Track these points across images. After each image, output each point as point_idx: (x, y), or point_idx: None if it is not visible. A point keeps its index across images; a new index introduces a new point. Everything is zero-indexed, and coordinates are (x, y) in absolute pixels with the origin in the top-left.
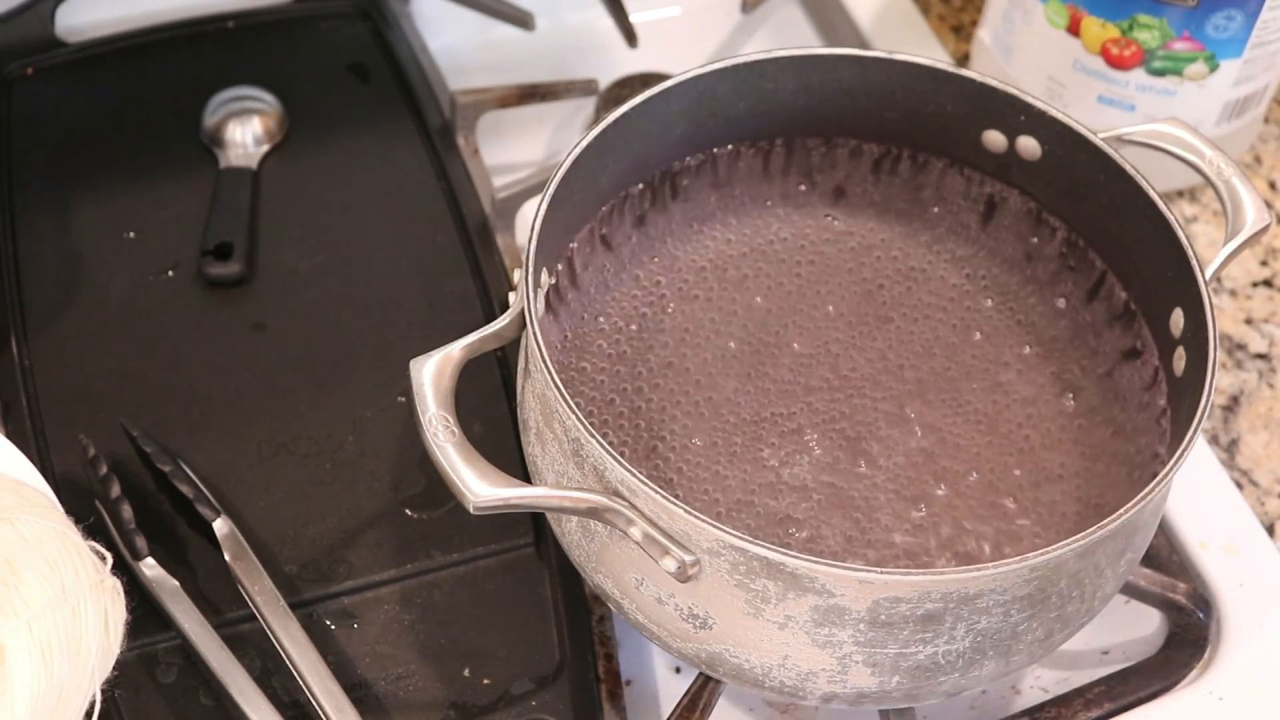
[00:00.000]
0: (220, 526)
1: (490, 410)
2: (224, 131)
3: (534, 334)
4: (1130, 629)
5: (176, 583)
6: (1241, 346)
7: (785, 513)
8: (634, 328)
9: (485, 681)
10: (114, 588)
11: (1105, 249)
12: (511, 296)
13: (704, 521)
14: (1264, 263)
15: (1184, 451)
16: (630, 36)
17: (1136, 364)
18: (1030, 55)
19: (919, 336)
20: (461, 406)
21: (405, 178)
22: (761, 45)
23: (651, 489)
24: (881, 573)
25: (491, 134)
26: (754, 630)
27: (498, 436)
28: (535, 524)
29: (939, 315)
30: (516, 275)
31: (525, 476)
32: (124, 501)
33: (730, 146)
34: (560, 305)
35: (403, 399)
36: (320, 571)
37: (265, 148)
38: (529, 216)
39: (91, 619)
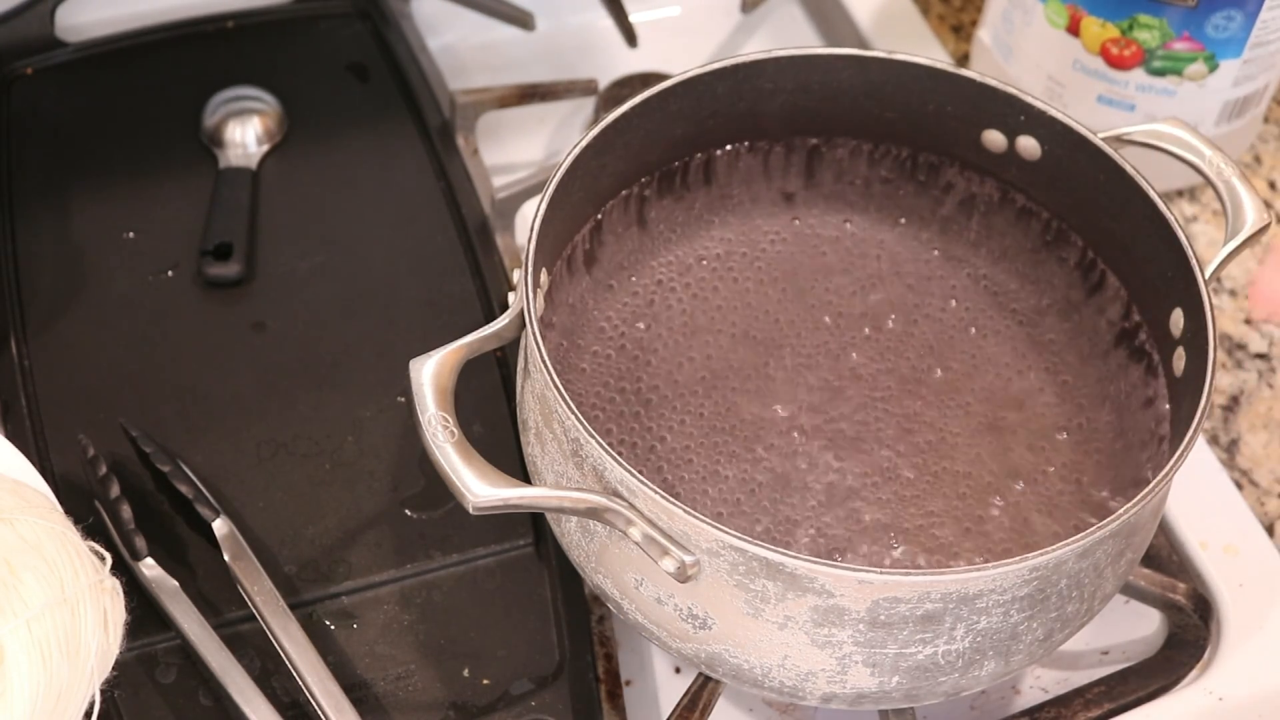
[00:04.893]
0: (220, 527)
1: (490, 410)
2: (224, 131)
3: (533, 334)
4: (1130, 629)
5: (176, 583)
6: (1241, 346)
7: (785, 513)
8: (633, 328)
9: (485, 681)
10: (113, 588)
11: (1105, 249)
12: (511, 296)
13: (703, 522)
14: (1264, 263)
15: (1184, 451)
16: (630, 36)
17: (1136, 364)
18: (1030, 55)
19: (918, 336)
20: (461, 406)
21: (405, 178)
22: (761, 45)
23: (651, 489)
24: (881, 573)
25: (491, 134)
26: (753, 630)
27: (497, 436)
28: (535, 524)
29: (938, 315)
30: (516, 275)
31: (525, 476)
32: (123, 501)
33: (730, 146)
34: (560, 305)
35: (402, 399)
36: (320, 571)
37: (265, 148)
38: (529, 216)
39: (91, 619)
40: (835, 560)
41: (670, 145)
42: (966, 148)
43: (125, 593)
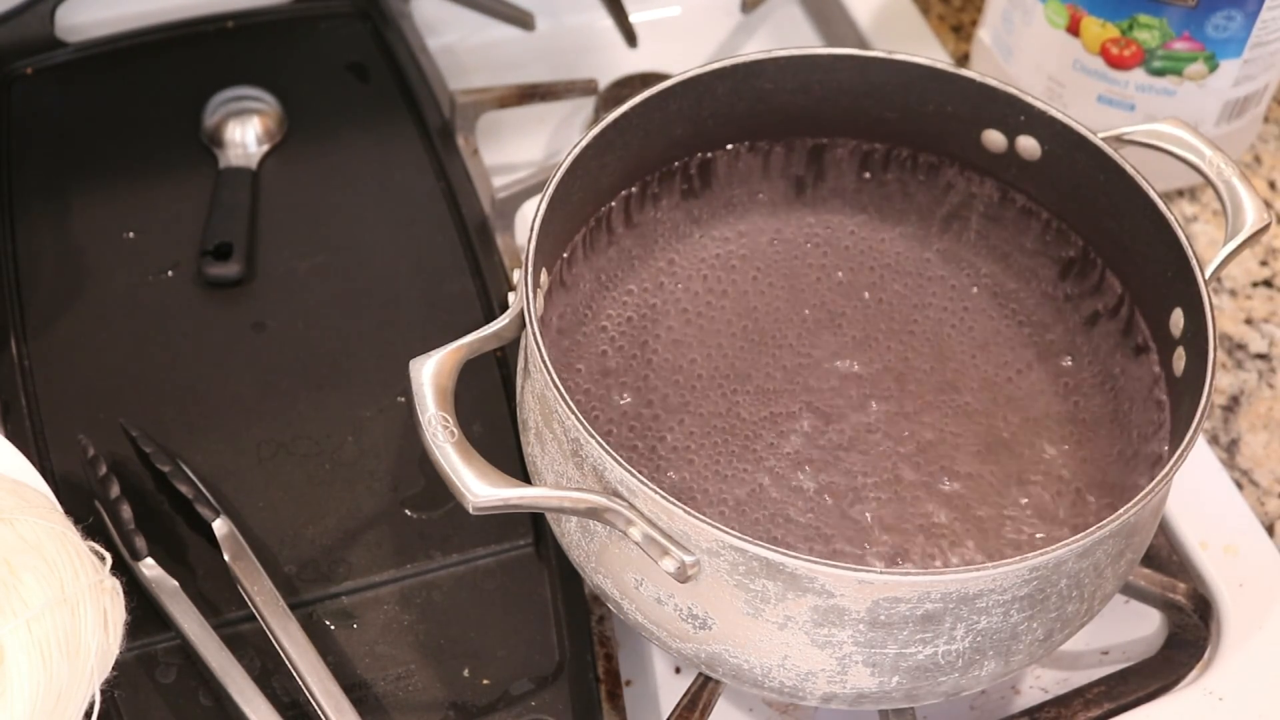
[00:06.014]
0: (220, 527)
1: (490, 410)
2: (224, 131)
3: (533, 334)
4: (1130, 629)
5: (176, 583)
6: (1241, 346)
7: (785, 512)
8: (633, 328)
9: (485, 681)
10: (113, 588)
11: (1105, 249)
12: (511, 296)
13: (703, 521)
14: (1264, 263)
15: (1184, 451)
16: (630, 36)
17: (1136, 364)
18: (1030, 55)
19: (919, 336)
20: (461, 406)
21: (405, 178)
22: (761, 45)
23: (651, 489)
24: (881, 573)
25: (491, 134)
26: (753, 630)
27: (497, 436)
28: (535, 524)
29: (938, 315)
30: (516, 275)
31: (525, 476)
32: (123, 501)
33: (730, 147)
34: (560, 305)
35: (403, 399)
36: (320, 571)
37: (265, 148)
38: (529, 216)
39: (91, 619)
40: (835, 560)
41: (670, 145)
42: (966, 148)
43: (125, 593)
